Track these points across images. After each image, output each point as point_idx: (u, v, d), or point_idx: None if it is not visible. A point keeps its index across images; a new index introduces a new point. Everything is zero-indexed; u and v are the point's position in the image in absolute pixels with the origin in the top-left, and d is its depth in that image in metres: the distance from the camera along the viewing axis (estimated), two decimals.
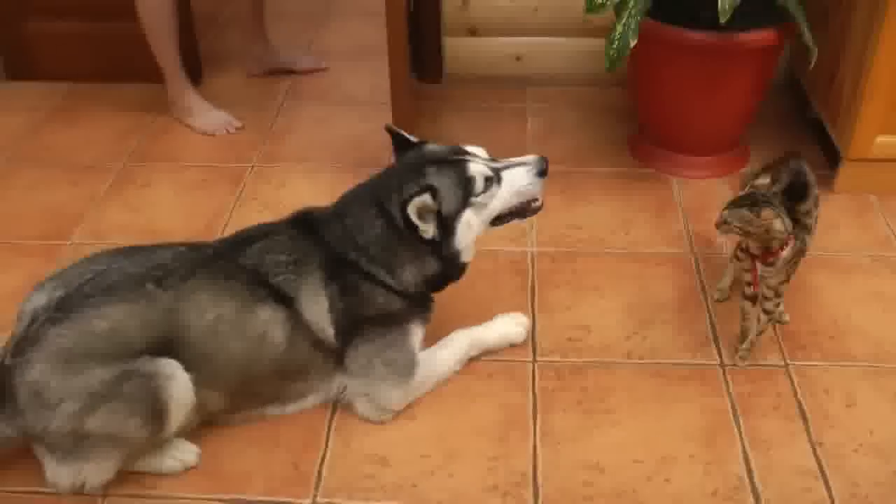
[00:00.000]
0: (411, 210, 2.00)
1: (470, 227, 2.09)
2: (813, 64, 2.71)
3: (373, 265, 2.08)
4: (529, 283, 2.56)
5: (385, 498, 1.96)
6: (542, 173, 2.14)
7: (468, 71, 3.63)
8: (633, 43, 2.59)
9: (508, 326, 2.34)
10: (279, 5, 4.11)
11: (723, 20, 2.47)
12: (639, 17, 2.59)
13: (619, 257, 2.67)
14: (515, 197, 2.13)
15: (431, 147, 2.16)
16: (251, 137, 3.32)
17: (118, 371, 1.84)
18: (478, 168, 2.08)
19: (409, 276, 2.11)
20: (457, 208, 2.06)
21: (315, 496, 1.96)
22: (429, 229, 2.03)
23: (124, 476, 1.99)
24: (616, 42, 2.60)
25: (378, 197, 2.10)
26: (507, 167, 2.13)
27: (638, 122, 3.24)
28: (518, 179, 2.12)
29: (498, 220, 2.16)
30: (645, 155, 3.14)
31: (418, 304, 2.17)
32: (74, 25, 3.58)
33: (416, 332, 2.17)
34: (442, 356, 2.23)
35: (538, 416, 2.15)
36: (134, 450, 1.94)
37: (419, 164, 2.08)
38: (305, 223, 2.16)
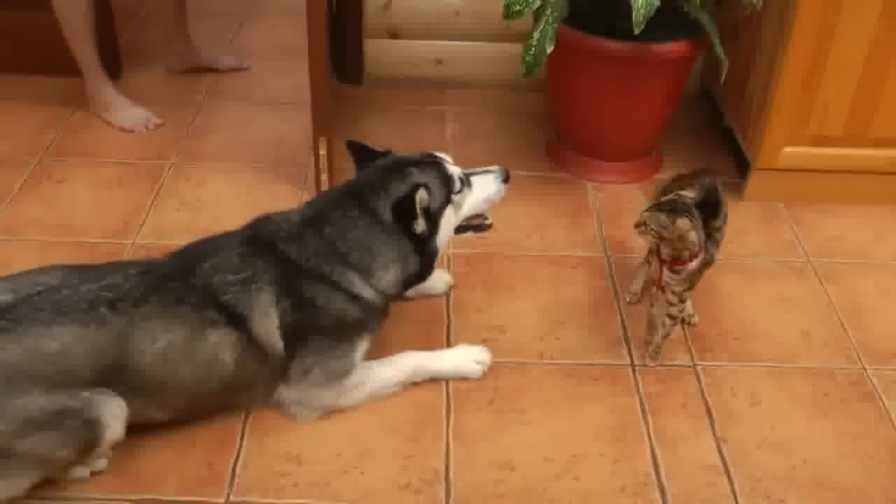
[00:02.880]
0: (420, 200, 2.05)
1: (449, 225, 2.16)
2: (724, 77, 2.79)
3: (346, 273, 2.08)
4: None
5: (299, 496, 1.96)
6: (506, 180, 2.25)
7: (389, 73, 3.65)
8: (549, 49, 2.63)
9: (463, 360, 2.28)
10: (201, 3, 4.06)
11: (637, 31, 2.52)
12: (556, 25, 2.63)
13: (534, 260, 2.71)
14: (483, 203, 2.24)
15: (401, 153, 2.21)
16: (170, 135, 3.28)
17: (60, 405, 1.81)
18: (454, 169, 2.18)
19: (392, 276, 2.13)
20: (441, 204, 2.13)
21: (229, 495, 1.96)
22: (421, 224, 2.08)
23: None
24: (533, 48, 2.65)
25: (362, 197, 2.11)
26: (474, 174, 2.23)
27: (555, 127, 3.29)
28: (487, 186, 2.23)
29: (461, 230, 2.25)
30: (561, 160, 3.19)
31: (376, 313, 2.17)
32: None
33: (363, 345, 2.16)
34: (380, 372, 2.20)
35: (451, 416, 2.18)
36: (52, 473, 1.92)
37: (400, 166, 2.14)
38: (261, 237, 2.12)
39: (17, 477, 1.86)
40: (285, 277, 2.05)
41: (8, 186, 2.95)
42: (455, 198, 2.16)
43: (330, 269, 2.08)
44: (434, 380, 2.25)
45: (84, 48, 3.24)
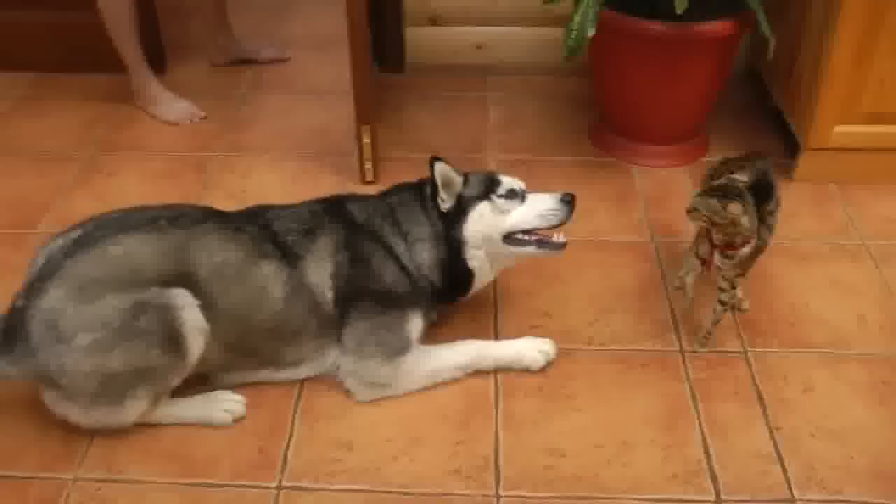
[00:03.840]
0: (437, 169, 2.18)
1: (482, 219, 2.22)
2: (771, 54, 2.74)
3: (396, 238, 2.22)
4: None
5: (349, 482, 1.98)
6: (568, 202, 2.25)
7: (430, 60, 3.64)
8: (590, 33, 2.61)
9: (526, 349, 2.26)
10: None
11: (680, 10, 2.49)
12: (597, 7, 2.61)
13: (580, 245, 2.68)
14: (537, 218, 2.25)
15: None
16: (215, 127, 3.31)
17: (131, 301, 1.89)
18: (510, 180, 2.27)
19: (428, 254, 2.22)
20: (476, 195, 2.23)
21: (281, 480, 1.98)
22: (447, 199, 2.21)
23: (93, 460, 2.02)
24: (574, 32, 2.62)
25: (423, 182, 2.29)
26: (535, 193, 2.29)
27: (599, 112, 3.26)
28: (542, 202, 2.25)
29: (516, 242, 2.26)
30: (606, 144, 3.16)
31: (425, 294, 2.23)
32: (39, 15, 3.56)
33: (415, 321, 2.20)
34: (441, 354, 2.22)
35: (501, 402, 2.17)
36: (163, 380, 1.99)
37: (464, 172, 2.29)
38: (334, 201, 2.29)
39: (130, 398, 1.97)
40: (346, 233, 2.18)
41: (61, 181, 3.00)
42: (497, 200, 2.22)
43: (384, 230, 2.22)
44: (496, 369, 2.25)
45: (128, 45, 3.28)
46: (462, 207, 2.22)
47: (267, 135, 3.27)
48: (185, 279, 1.99)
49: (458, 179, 2.22)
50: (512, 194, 2.24)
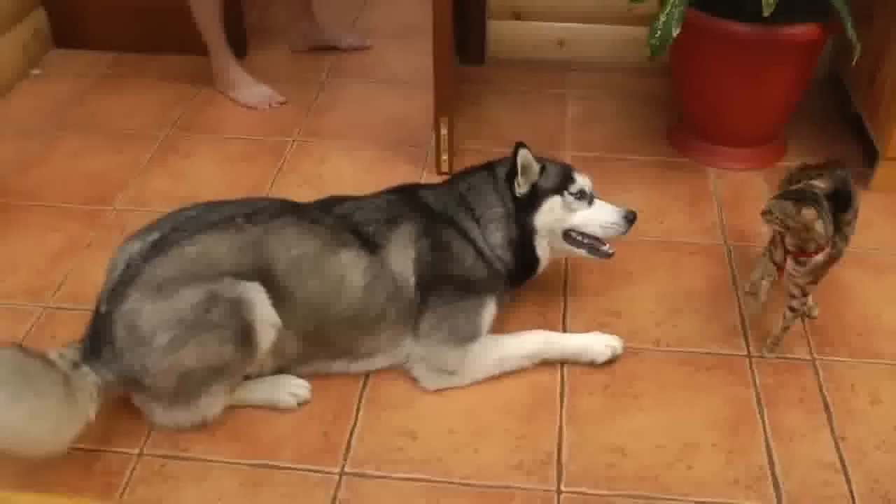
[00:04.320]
0: (520, 156, 2.23)
1: (552, 212, 2.28)
2: (856, 61, 2.70)
3: (469, 222, 2.26)
4: (562, 268, 2.58)
5: (412, 470, 2.00)
6: (630, 220, 2.32)
7: (511, 54, 3.65)
8: (675, 32, 2.59)
9: (593, 342, 2.28)
10: None
11: (766, 13, 2.46)
12: (682, 7, 2.59)
13: (652, 245, 2.68)
14: (598, 227, 2.32)
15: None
16: (293, 113, 3.35)
17: (204, 293, 1.93)
18: (584, 180, 2.33)
19: (500, 234, 2.27)
20: (550, 188, 2.28)
21: (344, 465, 2.01)
22: (523, 185, 2.26)
23: (159, 437, 2.06)
24: (659, 31, 2.60)
25: (492, 165, 2.35)
26: (603, 200, 2.36)
27: (677, 112, 3.24)
28: (607, 214, 2.34)
29: (571, 241, 2.33)
30: (683, 144, 3.14)
31: (499, 279, 2.28)
32: None
33: (490, 306, 2.25)
34: (509, 343, 2.25)
35: (566, 398, 2.18)
36: (235, 375, 2.04)
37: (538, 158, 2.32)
38: (407, 190, 2.35)
39: (209, 391, 2.01)
40: (426, 222, 2.22)
41: (137, 159, 3.06)
42: (568, 196, 2.28)
43: (459, 216, 2.27)
44: (562, 361, 2.27)
45: (212, 28, 3.33)
46: (536, 196, 2.27)
47: (344, 122, 3.30)
48: (263, 274, 2.02)
49: (537, 168, 2.27)
50: (582, 195, 2.30)
